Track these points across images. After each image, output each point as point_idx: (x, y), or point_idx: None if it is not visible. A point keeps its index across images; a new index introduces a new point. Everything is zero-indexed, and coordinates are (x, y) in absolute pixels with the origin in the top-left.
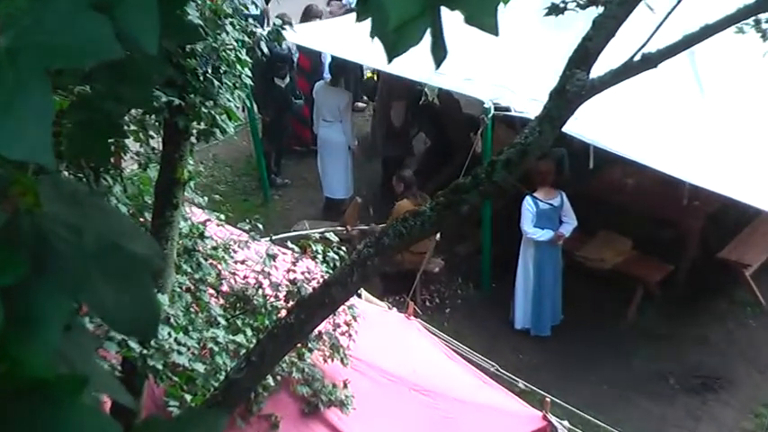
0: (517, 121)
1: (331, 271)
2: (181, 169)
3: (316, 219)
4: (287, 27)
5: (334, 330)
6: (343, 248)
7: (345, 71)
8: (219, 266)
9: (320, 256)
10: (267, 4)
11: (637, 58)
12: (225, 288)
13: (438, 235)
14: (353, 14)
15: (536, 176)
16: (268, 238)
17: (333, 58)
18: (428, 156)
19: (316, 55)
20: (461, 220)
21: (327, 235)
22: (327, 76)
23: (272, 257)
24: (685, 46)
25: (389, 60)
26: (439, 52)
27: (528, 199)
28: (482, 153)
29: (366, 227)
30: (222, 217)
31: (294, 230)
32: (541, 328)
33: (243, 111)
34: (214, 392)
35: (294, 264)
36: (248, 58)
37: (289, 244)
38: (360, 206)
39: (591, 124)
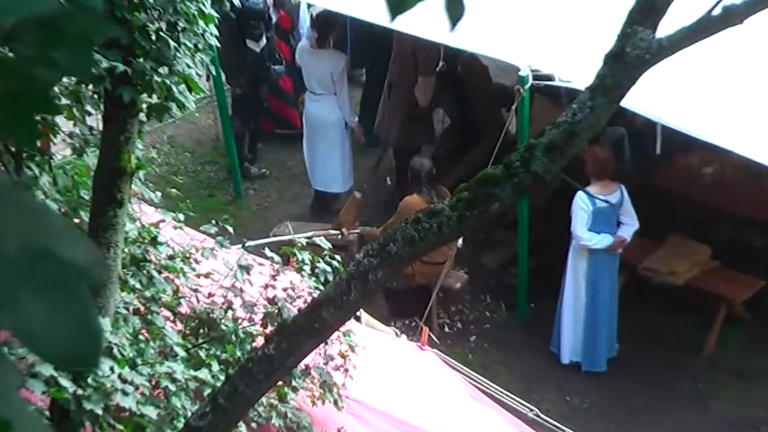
0: (562, 92)
1: (321, 287)
2: (127, 156)
3: (302, 219)
4: None
5: (326, 364)
6: (338, 258)
7: (335, 26)
8: (177, 281)
9: (308, 268)
10: None
11: (716, 11)
12: (184, 309)
13: (460, 241)
14: None
15: (590, 165)
16: (240, 245)
17: (312, 8)
18: (447, 138)
19: (298, 11)
20: (490, 222)
21: (317, 240)
22: (305, 32)
23: (246, 269)
24: None
25: (392, 18)
26: (455, 8)
27: (581, 195)
28: (517, 135)
29: (366, 230)
30: (181, 217)
31: (274, 235)
32: (595, 362)
33: (207, 80)
34: None
35: (274, 278)
36: (214, 12)
37: (267, 252)
38: (359, 203)
39: (658, 97)
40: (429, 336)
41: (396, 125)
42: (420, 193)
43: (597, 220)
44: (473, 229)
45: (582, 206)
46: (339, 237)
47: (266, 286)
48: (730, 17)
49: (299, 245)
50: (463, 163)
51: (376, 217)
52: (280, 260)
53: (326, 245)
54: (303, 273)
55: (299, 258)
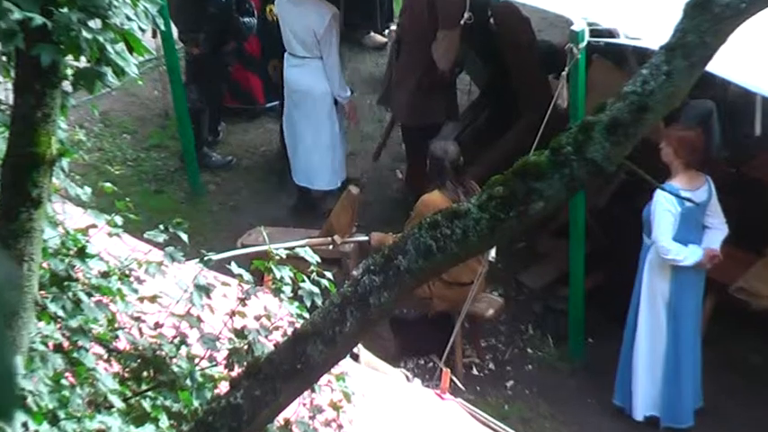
0: (628, 54)
1: (307, 315)
2: (46, 138)
3: (281, 224)
4: None
5: (313, 418)
6: (329, 275)
7: None
8: (113, 306)
9: (288, 289)
10: None
11: None
12: (123, 344)
13: (492, 253)
14: None
15: (671, 151)
16: (198, 259)
17: None
18: (475, 114)
19: None
20: (532, 228)
21: (301, 252)
22: None
23: (205, 291)
24: None
25: None
26: None
27: (663, 194)
28: (568, 110)
29: (366, 237)
30: (118, 221)
31: (243, 245)
32: (680, 416)
33: (154, 37)
34: None
35: (243, 302)
36: None
37: (234, 268)
38: (357, 202)
39: (757, 61)
40: (451, 380)
41: (406, 97)
42: (442, 188)
43: (684, 225)
44: (509, 236)
45: (666, 207)
46: (330, 247)
47: (232, 313)
48: None
49: (277, 258)
50: (497, 148)
51: (379, 220)
52: (251, 279)
53: (313, 258)
54: (282, 295)
55: (277, 276)
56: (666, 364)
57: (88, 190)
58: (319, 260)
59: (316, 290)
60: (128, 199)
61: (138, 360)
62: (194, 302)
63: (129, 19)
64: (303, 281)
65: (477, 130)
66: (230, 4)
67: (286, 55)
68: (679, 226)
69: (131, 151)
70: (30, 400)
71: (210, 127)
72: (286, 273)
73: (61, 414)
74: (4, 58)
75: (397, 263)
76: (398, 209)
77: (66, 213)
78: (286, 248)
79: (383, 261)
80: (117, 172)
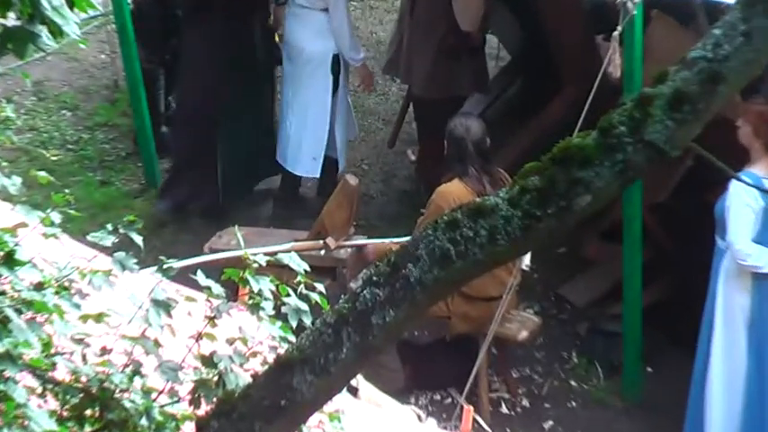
0: (697, 8)
1: (293, 338)
2: None
3: (260, 223)
4: None
5: None
6: (321, 288)
7: None
8: (49, 327)
9: (269, 306)
10: None
11: None
12: (61, 373)
13: (526, 260)
14: None
15: (750, 131)
16: (156, 268)
17: None
18: (506, 85)
19: None
20: (576, 229)
21: (285, 259)
22: None
23: (165, 308)
24: None
25: None
26: None
27: (740, 185)
28: (622, 79)
29: (365, 241)
30: (56, 219)
31: (212, 250)
32: None
33: None
34: None
35: (212, 321)
36: None
37: (201, 279)
38: (356, 194)
39: None
40: (474, 420)
41: (422, 63)
42: (463, 177)
43: (767, 224)
44: (547, 239)
45: (745, 201)
46: (322, 252)
47: (199, 336)
48: None
49: (255, 266)
50: (532, 127)
51: (384, 218)
52: (222, 292)
53: (301, 266)
54: (261, 313)
55: (255, 289)
56: (748, 396)
57: (18, 180)
58: (308, 269)
59: (304, 306)
60: (67, 191)
61: (81, 394)
62: (151, 322)
63: None
64: (288, 295)
65: (507, 104)
66: None
67: (290, 4)
68: (761, 225)
69: (72, 131)
70: None
71: (168, 96)
72: (266, 285)
73: None
74: None
75: (407, 272)
76: (408, 204)
77: None
78: (266, 254)
79: (389, 270)
80: (54, 158)
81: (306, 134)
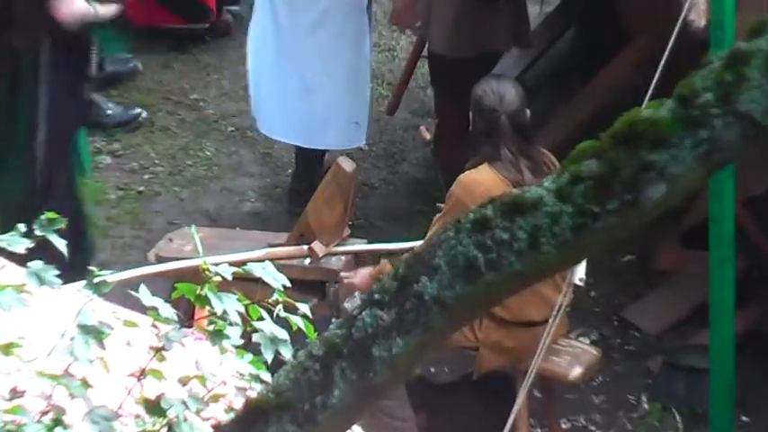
0: None
1: (267, 376)
2: None
3: (225, 221)
4: None
5: None
6: (305, 308)
7: None
8: None
9: (235, 332)
10: None
11: None
12: None
13: (580, 271)
14: None
15: None
16: (84, 282)
17: None
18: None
19: None
20: (646, 230)
21: (258, 270)
22: None
23: (96, 336)
24: None
25: None
26: None
27: None
28: (707, 30)
29: (364, 246)
30: None
31: (160, 258)
32: None
33: None
34: None
35: (160, 353)
36: None
37: (144, 297)
38: (353, 184)
39: None
40: None
41: (443, 9)
42: (494, 161)
43: None
44: (608, 244)
45: None
46: (306, 261)
47: (142, 373)
48: None
49: (217, 280)
50: (586, 94)
51: (388, 216)
52: (173, 314)
53: (278, 279)
54: (226, 343)
55: (217, 310)
56: None
57: None
58: (288, 283)
59: (282, 334)
60: None
61: None
62: (77, 354)
63: None
64: (261, 318)
65: (553, 64)
66: None
67: None
68: None
69: None
70: None
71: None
72: (232, 305)
73: None
74: None
75: (420, 288)
76: (421, 197)
77: None
78: (232, 264)
79: (396, 285)
80: None
81: (339, 94)
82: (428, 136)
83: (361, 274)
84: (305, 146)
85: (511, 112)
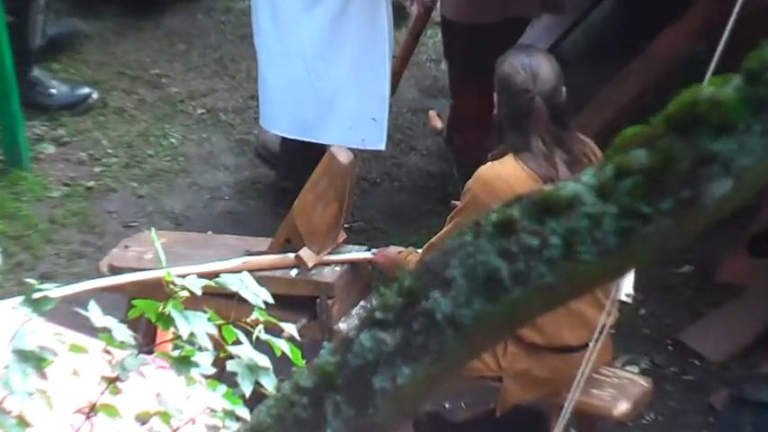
0: None
1: (245, 413)
2: None
3: (195, 226)
4: None
5: None
6: (291, 329)
7: None
8: None
9: (206, 360)
10: None
11: None
12: None
13: (627, 285)
14: None
15: None
16: (23, 298)
17: None
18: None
19: None
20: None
21: (233, 284)
22: None
23: (36, 363)
24: None
25: None
26: None
27: None
28: None
29: (366, 252)
30: None
31: (114, 268)
32: None
33: None
34: None
35: (114, 385)
36: None
37: (95, 316)
38: (350, 179)
39: None
40: None
41: None
42: (521, 150)
43: None
44: (661, 252)
45: None
46: (293, 273)
47: (91, 409)
48: None
49: (183, 296)
50: (633, 71)
51: (395, 217)
52: (129, 337)
53: (259, 295)
54: (194, 372)
55: (183, 333)
56: None
57: None
58: (271, 299)
59: (263, 361)
60: None
61: None
62: (12, 386)
63: None
64: (237, 342)
65: (591, 33)
66: None
67: None
68: None
69: None
70: None
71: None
72: (202, 326)
73: None
74: None
75: (430, 306)
76: (431, 194)
77: None
78: (202, 275)
79: (402, 302)
80: None
81: (345, 80)
82: (440, 122)
83: (389, 254)
84: (302, 138)
85: (546, 93)
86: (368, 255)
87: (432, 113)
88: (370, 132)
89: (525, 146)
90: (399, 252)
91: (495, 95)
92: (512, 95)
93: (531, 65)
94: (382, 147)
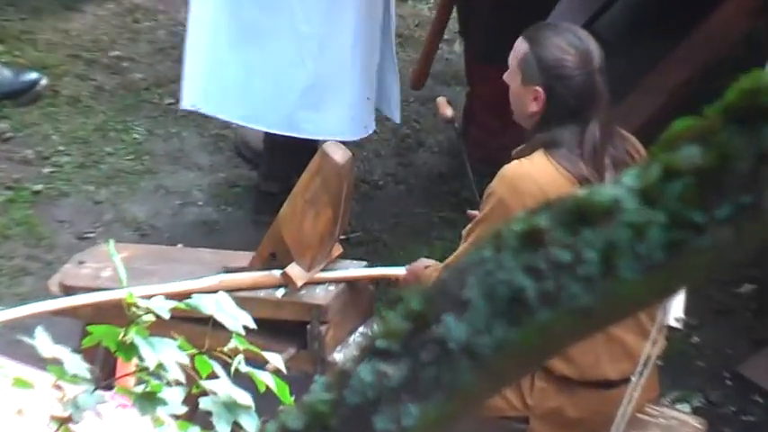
0: None
1: None
2: None
3: (169, 235)
4: None
5: None
6: (277, 360)
7: None
8: None
9: (176, 396)
10: None
11: None
12: None
13: (676, 308)
14: None
15: None
16: None
17: None
18: None
19: None
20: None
21: (208, 305)
22: None
23: None
24: None
25: None
26: None
27: None
28: None
29: (361, 271)
30: None
31: (65, 287)
32: None
33: None
34: None
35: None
36: None
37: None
38: (345, 179)
39: None
40: None
41: None
42: (551, 147)
43: None
44: (717, 268)
45: None
46: (278, 293)
47: None
48: None
49: (148, 321)
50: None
51: (401, 227)
52: (85, 370)
53: (238, 319)
54: (160, 411)
55: (149, 364)
56: None
57: None
58: (252, 324)
59: (243, 397)
60: None
61: None
62: None
63: None
64: (213, 376)
65: (631, 10)
66: None
67: None
68: None
69: None
70: None
71: None
72: (171, 356)
73: None
74: None
75: (442, 332)
76: (443, 199)
77: None
78: (171, 296)
79: (409, 328)
80: None
81: (353, 65)
82: (450, 110)
83: (416, 270)
84: (290, 134)
85: (601, 71)
86: (399, 271)
87: (441, 100)
88: (370, 114)
89: (555, 140)
90: (427, 267)
91: (532, 90)
92: (566, 81)
93: (580, 40)
94: (397, 120)
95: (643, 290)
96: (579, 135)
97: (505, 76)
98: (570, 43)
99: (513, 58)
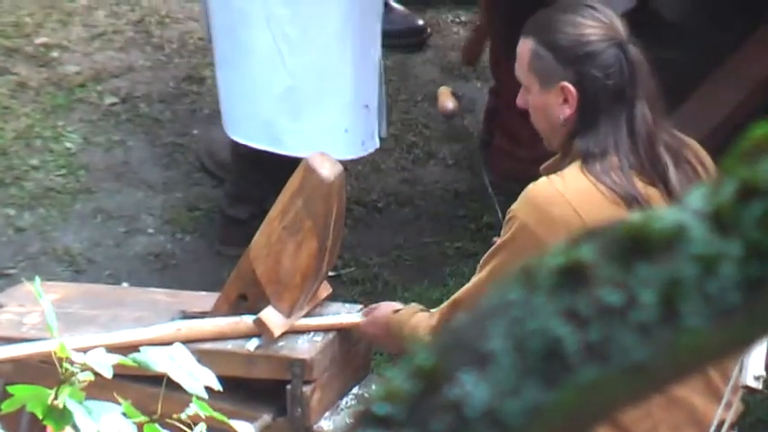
0: None
1: None
2: None
3: (111, 271)
4: None
5: None
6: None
7: None
8: None
9: None
10: None
11: None
12: None
13: (756, 365)
14: None
15: None
16: None
17: None
18: None
19: None
20: None
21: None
22: None
23: None
24: None
25: None
26: None
27: None
28: None
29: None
30: None
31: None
32: None
33: None
34: None
35: None
36: None
37: None
38: (336, 199)
39: None
40: None
41: None
42: (591, 159)
43: None
44: None
45: None
46: (251, 344)
47: None
48: None
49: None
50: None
51: (405, 258)
52: None
53: (199, 378)
54: None
55: None
56: None
57: None
58: (217, 385)
59: None
60: None
61: None
62: None
63: None
64: None
65: None
66: None
67: None
68: None
69: None
70: None
71: None
72: (113, 424)
73: None
74: None
75: (458, 394)
76: (457, 223)
77: None
78: (115, 348)
79: (416, 390)
80: None
81: (343, 60)
82: (452, 102)
83: (378, 317)
84: (272, 150)
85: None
86: (356, 317)
87: (443, 89)
88: (369, 126)
89: (597, 151)
90: (395, 311)
91: (558, 90)
92: (596, 60)
93: (595, 9)
94: (383, 134)
95: (713, 340)
96: (628, 123)
97: (519, 99)
98: (585, 15)
99: (519, 68)
